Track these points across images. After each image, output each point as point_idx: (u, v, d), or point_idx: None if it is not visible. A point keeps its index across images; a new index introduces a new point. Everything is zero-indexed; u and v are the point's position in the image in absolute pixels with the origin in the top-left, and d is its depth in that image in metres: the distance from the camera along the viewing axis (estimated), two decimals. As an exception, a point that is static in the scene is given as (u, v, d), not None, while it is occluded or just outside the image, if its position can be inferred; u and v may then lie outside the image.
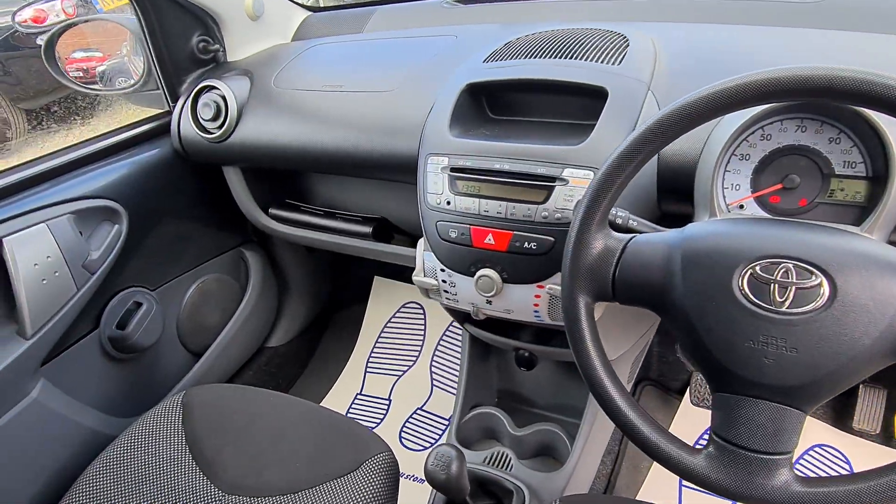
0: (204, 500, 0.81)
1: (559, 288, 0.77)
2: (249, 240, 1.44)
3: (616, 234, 0.64)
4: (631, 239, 0.63)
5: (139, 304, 1.16)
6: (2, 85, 3.15)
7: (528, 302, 0.85)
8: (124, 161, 1.14)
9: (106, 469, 0.86)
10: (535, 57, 0.88)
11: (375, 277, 1.76)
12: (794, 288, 0.54)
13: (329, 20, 1.35)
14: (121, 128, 1.17)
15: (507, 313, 0.89)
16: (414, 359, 1.63)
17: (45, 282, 0.97)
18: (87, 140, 1.12)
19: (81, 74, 1.63)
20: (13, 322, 0.97)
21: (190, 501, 0.81)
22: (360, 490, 0.82)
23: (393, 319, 1.71)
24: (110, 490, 0.83)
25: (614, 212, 0.68)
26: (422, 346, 1.65)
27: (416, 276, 0.94)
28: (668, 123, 0.59)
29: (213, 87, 1.13)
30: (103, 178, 1.09)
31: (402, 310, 1.71)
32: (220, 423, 0.91)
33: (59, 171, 1.05)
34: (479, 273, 0.85)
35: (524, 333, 1.07)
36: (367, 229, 1.15)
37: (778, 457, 0.54)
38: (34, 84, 3.17)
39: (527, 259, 0.81)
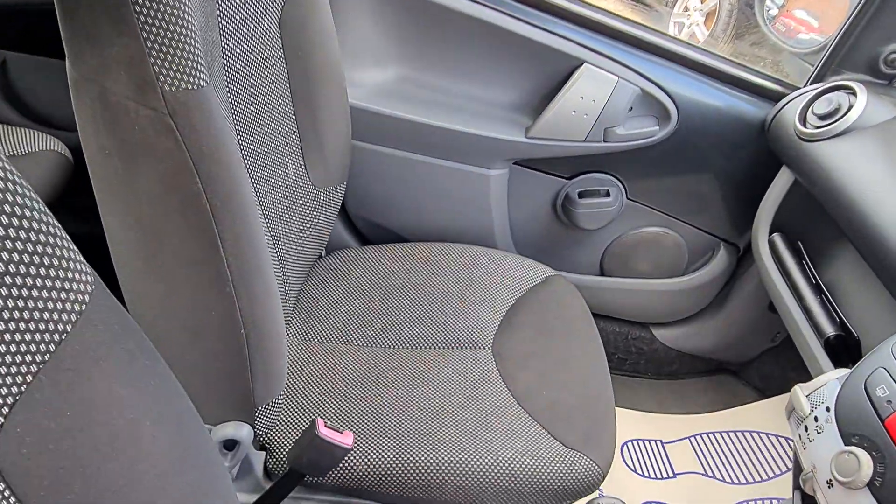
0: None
1: None
2: (733, 242, 1.32)
3: None
4: None
5: (608, 193, 1.22)
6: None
7: None
8: (714, 84, 1.13)
9: None
10: None
11: None
12: None
13: None
14: (744, 65, 1.15)
15: None
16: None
17: (573, 113, 1.10)
18: (706, 50, 1.13)
19: (784, 29, 1.61)
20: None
21: None
22: None
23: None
24: None
25: None
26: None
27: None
28: None
29: (850, 90, 0.98)
30: (680, 80, 1.11)
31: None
32: None
33: (662, 51, 1.11)
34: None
35: None
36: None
37: None
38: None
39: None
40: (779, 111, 1.09)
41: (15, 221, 0.29)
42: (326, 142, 0.93)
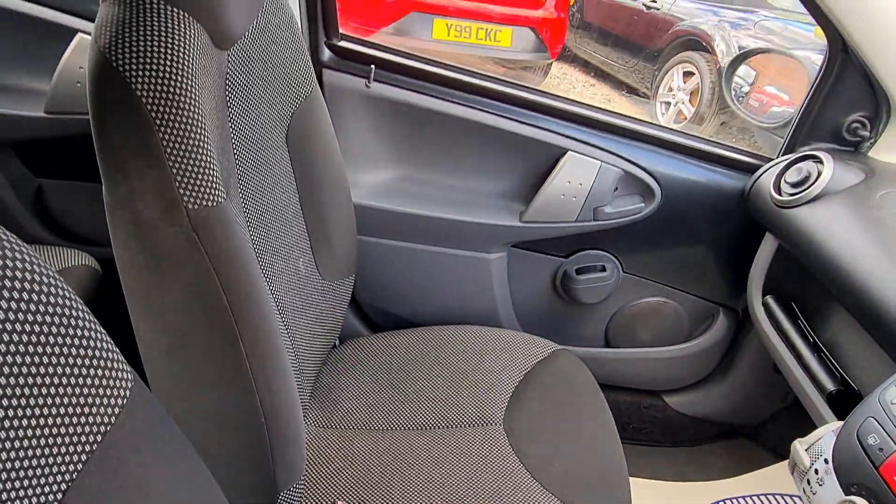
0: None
1: None
2: (732, 307, 1.35)
3: None
4: None
5: (603, 268, 1.28)
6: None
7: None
8: (693, 161, 1.21)
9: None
10: None
11: None
12: None
13: None
14: (719, 142, 1.23)
15: None
16: None
17: (562, 197, 1.18)
18: (681, 131, 1.22)
19: (757, 105, 1.72)
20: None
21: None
22: None
23: None
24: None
25: None
26: None
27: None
28: None
29: (818, 159, 1.05)
30: (660, 160, 1.20)
31: None
32: None
33: (642, 136, 1.20)
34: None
35: None
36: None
37: None
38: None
39: None
40: (755, 182, 1.16)
41: (70, 331, 0.36)
42: (334, 239, 1.01)
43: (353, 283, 1.10)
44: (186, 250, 0.59)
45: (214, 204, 0.60)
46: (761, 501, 1.34)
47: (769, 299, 1.17)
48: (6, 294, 0.32)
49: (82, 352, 0.36)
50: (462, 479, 0.89)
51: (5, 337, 0.31)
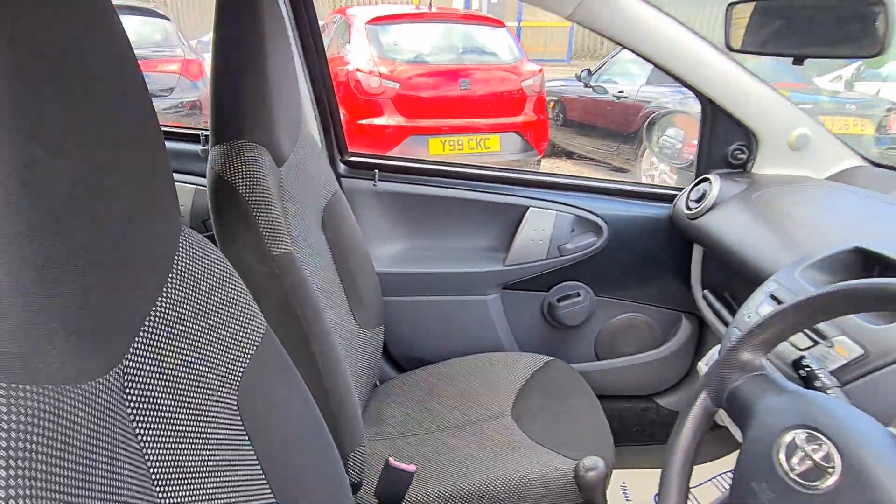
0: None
1: None
2: (692, 312, 1.66)
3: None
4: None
5: (578, 294, 1.62)
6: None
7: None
8: (633, 202, 1.59)
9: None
10: None
11: None
12: None
13: (882, 178, 1.38)
14: (647, 184, 1.60)
15: None
16: None
17: (531, 241, 1.55)
18: (617, 180, 1.61)
19: (689, 156, 2.11)
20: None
21: None
22: None
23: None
24: None
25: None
26: None
27: None
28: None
29: (709, 180, 1.42)
30: (604, 204, 1.57)
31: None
32: None
33: (588, 188, 1.59)
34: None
35: None
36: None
37: None
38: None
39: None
40: (675, 206, 1.53)
41: (229, 283, 0.72)
42: (364, 297, 1.37)
43: (384, 335, 1.45)
44: (273, 283, 0.96)
45: (288, 251, 0.98)
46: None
47: (707, 294, 1.49)
48: (190, 265, 0.68)
49: (234, 303, 0.72)
50: (484, 454, 1.19)
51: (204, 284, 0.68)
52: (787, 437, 0.60)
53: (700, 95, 1.43)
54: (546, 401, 1.32)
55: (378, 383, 1.51)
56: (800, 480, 0.57)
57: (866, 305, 0.64)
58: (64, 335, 0.42)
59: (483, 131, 4.63)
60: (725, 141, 1.49)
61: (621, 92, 5.44)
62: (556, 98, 6.76)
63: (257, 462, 0.67)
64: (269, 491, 0.69)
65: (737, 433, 0.72)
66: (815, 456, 0.57)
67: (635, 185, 1.61)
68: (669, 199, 1.59)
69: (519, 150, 4.76)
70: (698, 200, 1.42)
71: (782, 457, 0.59)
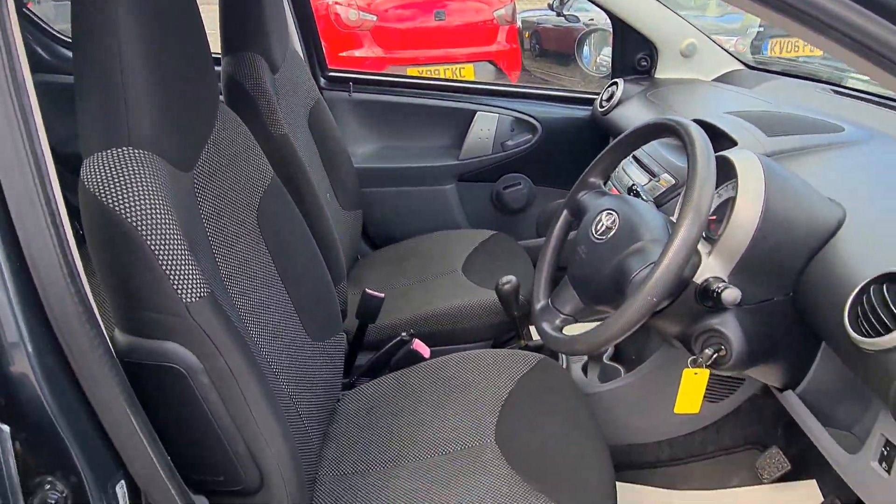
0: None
1: None
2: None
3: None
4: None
5: (519, 183, 2.00)
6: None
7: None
8: (562, 105, 1.95)
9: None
10: None
11: None
12: None
13: (753, 77, 1.74)
14: (572, 89, 1.96)
15: None
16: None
17: (479, 139, 1.92)
18: (548, 87, 1.96)
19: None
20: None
21: None
22: None
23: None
24: None
25: None
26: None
27: None
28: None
29: (616, 84, 1.79)
30: (539, 108, 1.93)
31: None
32: None
33: (525, 95, 1.94)
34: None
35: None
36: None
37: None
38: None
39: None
40: (592, 107, 1.89)
41: (248, 139, 1.07)
42: (345, 182, 1.73)
43: (361, 234, 1.82)
44: (274, 159, 1.33)
45: (284, 133, 1.33)
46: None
47: None
48: (225, 123, 1.04)
49: None
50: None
51: None
52: (598, 216, 0.99)
53: (609, 14, 1.78)
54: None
55: (359, 257, 1.90)
56: (598, 237, 0.96)
57: (654, 135, 1.02)
58: (172, 130, 0.79)
59: (458, 61, 4.90)
60: (632, 51, 1.84)
61: (591, 20, 5.67)
62: (532, 28, 6.97)
63: (274, 266, 0.98)
64: (285, 291, 0.96)
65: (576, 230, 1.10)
66: (607, 222, 0.96)
67: (564, 91, 1.97)
68: (591, 102, 1.95)
69: (493, 79, 5.04)
70: (608, 100, 1.78)
71: (594, 228, 0.98)
